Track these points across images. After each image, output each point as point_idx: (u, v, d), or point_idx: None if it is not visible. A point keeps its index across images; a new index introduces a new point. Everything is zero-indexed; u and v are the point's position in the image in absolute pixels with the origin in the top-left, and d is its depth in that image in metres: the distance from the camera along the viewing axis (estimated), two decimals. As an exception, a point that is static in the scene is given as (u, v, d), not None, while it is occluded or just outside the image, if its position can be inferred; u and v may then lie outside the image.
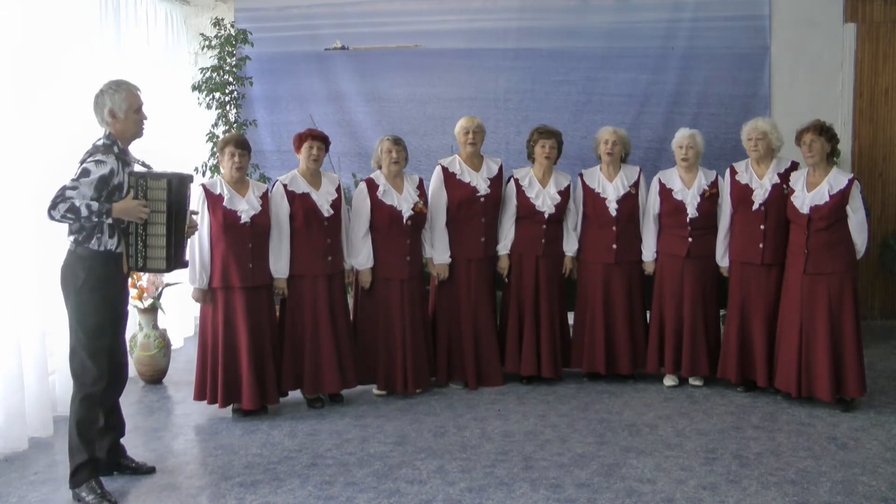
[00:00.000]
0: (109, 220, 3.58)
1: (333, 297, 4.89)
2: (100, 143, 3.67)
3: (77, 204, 3.47)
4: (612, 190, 5.22)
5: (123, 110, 3.67)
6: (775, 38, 6.73)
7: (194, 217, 4.12)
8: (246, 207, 4.64)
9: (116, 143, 3.68)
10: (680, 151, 5.15)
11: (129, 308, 5.47)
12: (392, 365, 5.04)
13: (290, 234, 4.81)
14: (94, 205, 3.51)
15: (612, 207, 5.18)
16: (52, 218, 3.51)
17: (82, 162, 3.60)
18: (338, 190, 4.96)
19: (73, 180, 3.53)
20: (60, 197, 3.48)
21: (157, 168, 3.93)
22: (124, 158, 3.71)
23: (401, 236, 5.02)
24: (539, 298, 5.23)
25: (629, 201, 5.21)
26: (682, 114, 6.73)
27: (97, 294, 3.64)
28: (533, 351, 5.24)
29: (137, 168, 3.80)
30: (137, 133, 3.77)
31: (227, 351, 4.63)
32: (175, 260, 3.80)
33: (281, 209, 4.79)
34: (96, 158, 3.58)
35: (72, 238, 3.66)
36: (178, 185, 3.75)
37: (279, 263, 4.79)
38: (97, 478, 3.67)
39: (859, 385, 4.64)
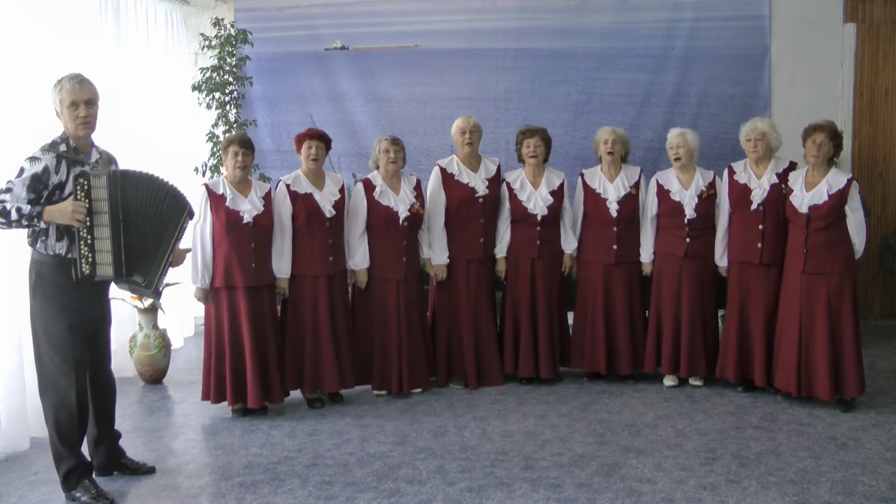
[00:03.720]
0: (42, 224, 3.35)
1: (334, 297, 4.89)
2: (49, 140, 3.46)
3: (8, 207, 3.27)
4: (612, 190, 5.21)
5: (57, 106, 3.47)
6: (775, 38, 6.73)
7: (185, 252, 4.01)
8: (248, 207, 4.64)
9: (66, 141, 3.46)
10: (671, 151, 5.14)
11: (129, 308, 5.52)
12: (387, 365, 5.05)
13: (292, 233, 4.81)
14: (25, 208, 3.29)
15: (613, 208, 5.17)
16: None
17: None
18: (341, 191, 4.95)
19: (8, 181, 3.34)
20: None
21: (157, 168, 3.80)
22: (73, 157, 3.45)
23: (397, 237, 5.01)
24: (536, 300, 5.23)
25: (630, 202, 5.20)
26: (682, 114, 6.74)
27: (50, 301, 3.45)
28: (531, 353, 5.24)
29: (110, 167, 3.56)
30: (77, 129, 3.45)
31: (233, 350, 4.64)
32: (125, 267, 3.41)
33: (283, 209, 4.79)
34: (32, 156, 3.39)
35: (28, 240, 3.51)
36: (122, 181, 3.43)
37: (281, 263, 4.79)
38: (89, 477, 3.65)
39: (859, 385, 4.64)
